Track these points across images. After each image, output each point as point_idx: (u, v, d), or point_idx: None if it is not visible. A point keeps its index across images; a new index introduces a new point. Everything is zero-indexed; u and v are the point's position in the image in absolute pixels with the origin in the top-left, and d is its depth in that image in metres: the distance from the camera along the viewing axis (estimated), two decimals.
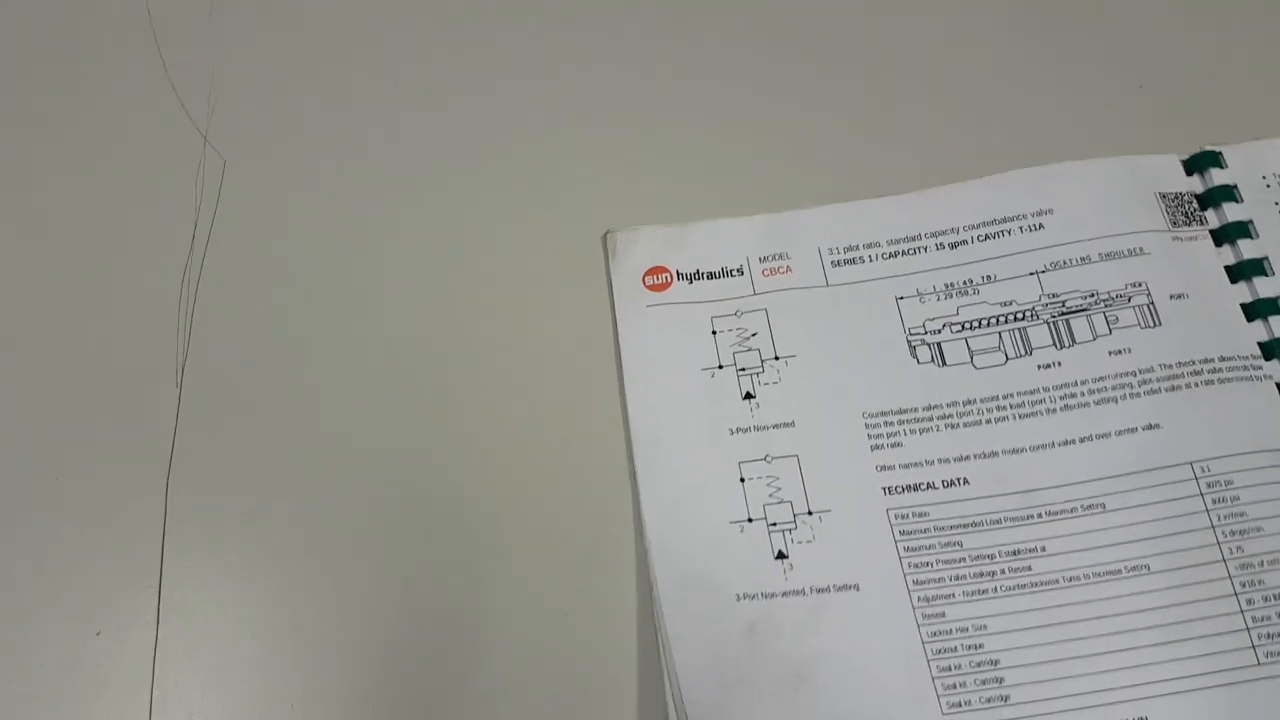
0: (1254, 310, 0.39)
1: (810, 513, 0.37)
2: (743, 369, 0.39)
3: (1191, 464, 0.37)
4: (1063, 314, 0.40)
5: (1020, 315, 0.40)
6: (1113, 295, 0.40)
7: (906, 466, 0.38)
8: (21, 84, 0.46)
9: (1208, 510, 0.36)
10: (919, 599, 0.36)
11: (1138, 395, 0.38)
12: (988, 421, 0.39)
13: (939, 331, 0.40)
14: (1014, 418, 0.39)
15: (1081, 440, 0.38)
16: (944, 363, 0.40)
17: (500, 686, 0.35)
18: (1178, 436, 0.37)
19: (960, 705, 0.34)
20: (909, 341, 0.40)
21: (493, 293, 0.42)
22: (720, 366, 0.40)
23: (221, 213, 0.43)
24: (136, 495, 0.37)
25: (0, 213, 0.43)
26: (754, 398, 0.39)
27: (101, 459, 0.38)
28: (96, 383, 0.40)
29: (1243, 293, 0.40)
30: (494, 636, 0.36)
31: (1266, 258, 0.40)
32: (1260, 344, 0.39)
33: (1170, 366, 0.38)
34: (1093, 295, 0.40)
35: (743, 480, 0.38)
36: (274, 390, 0.40)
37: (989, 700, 0.34)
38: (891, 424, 0.39)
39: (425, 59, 0.47)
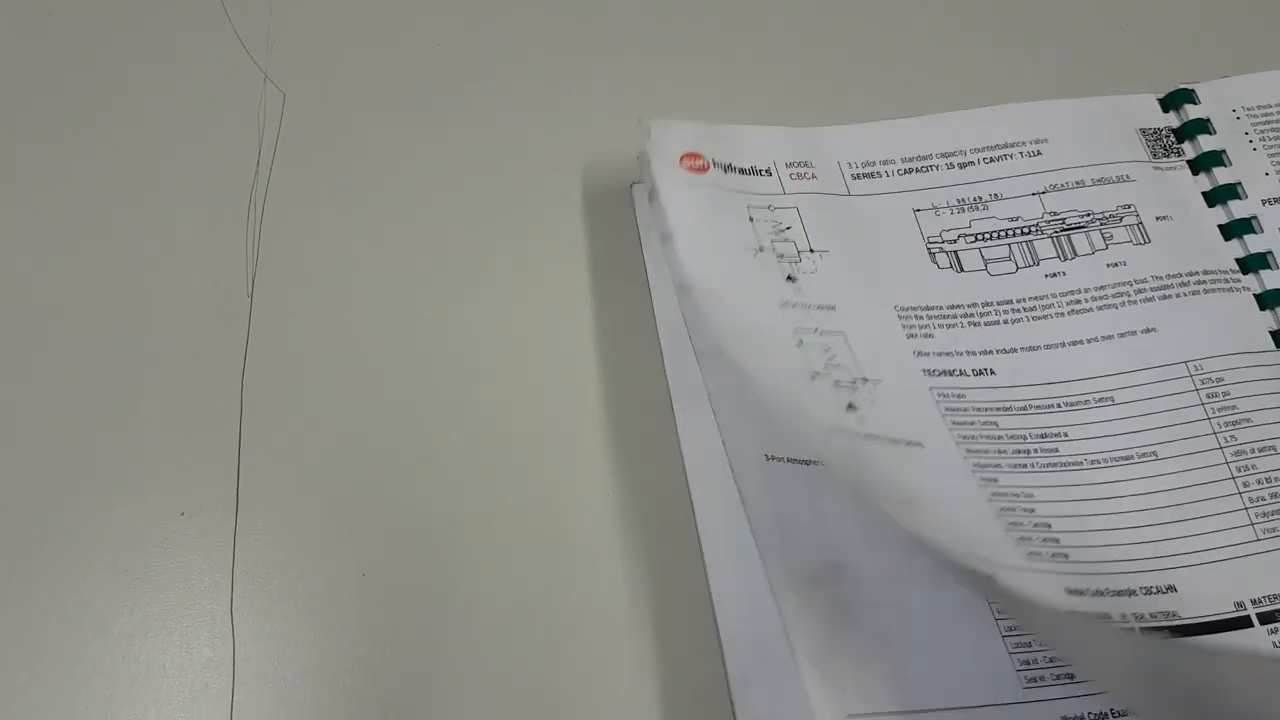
0: (1230, 230, 0.43)
1: (866, 379, 0.38)
2: (781, 255, 0.40)
3: (1186, 363, 0.40)
4: (1064, 230, 0.42)
5: (1026, 230, 0.42)
6: (1106, 215, 0.43)
7: (940, 355, 0.39)
8: (79, 22, 0.46)
9: (1203, 404, 0.39)
10: (974, 465, 0.37)
11: (1134, 302, 0.41)
12: (1005, 322, 0.40)
13: (955, 241, 0.42)
14: (1028, 319, 0.41)
15: (1089, 341, 0.40)
16: (961, 269, 0.41)
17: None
18: (1172, 339, 0.40)
19: (1033, 556, 0.35)
20: (928, 249, 0.42)
21: (521, 226, 0.43)
22: (760, 249, 0.40)
23: (282, 148, 0.43)
24: (215, 394, 0.38)
25: (68, 147, 0.43)
26: (796, 280, 0.40)
27: (182, 363, 0.39)
28: (175, 296, 0.40)
29: (1219, 215, 0.44)
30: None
31: (1239, 183, 0.44)
32: (1237, 259, 0.42)
33: (1161, 278, 0.41)
34: (1089, 214, 0.43)
35: (800, 344, 0.38)
36: (332, 307, 0.40)
37: (1054, 556, 0.35)
38: (921, 318, 0.40)
39: None
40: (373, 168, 0.43)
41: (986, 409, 0.38)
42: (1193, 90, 0.46)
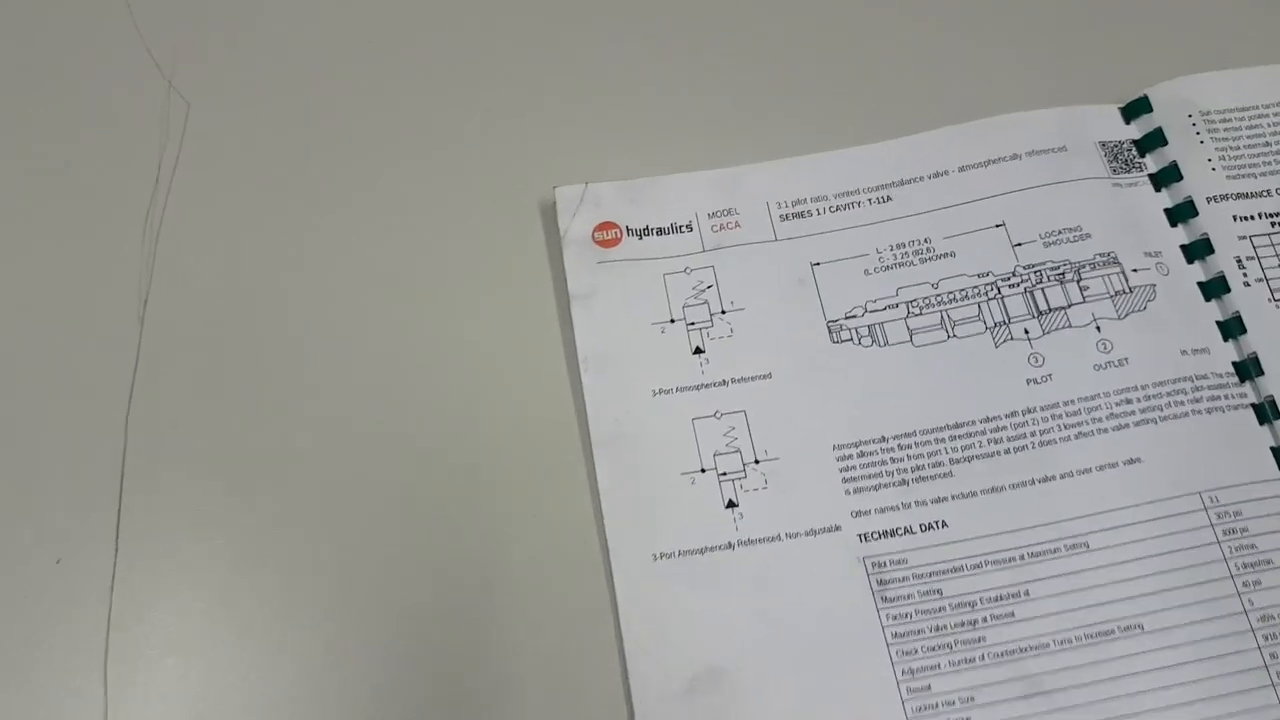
0: (1209, 290, 0.40)
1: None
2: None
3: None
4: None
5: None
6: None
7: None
8: None
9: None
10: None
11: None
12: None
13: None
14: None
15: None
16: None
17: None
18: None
19: None
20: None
21: (437, 251, 0.42)
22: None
23: (184, 161, 0.42)
24: (98, 428, 0.38)
25: None
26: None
27: (64, 392, 0.38)
28: (60, 319, 0.39)
29: (1180, 235, 0.41)
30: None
31: (1190, 199, 0.41)
32: (1218, 323, 0.39)
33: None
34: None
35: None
36: (230, 330, 0.40)
37: None
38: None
39: (386, 9, 0.47)
40: (278, 184, 0.42)
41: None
42: (1146, 96, 0.42)
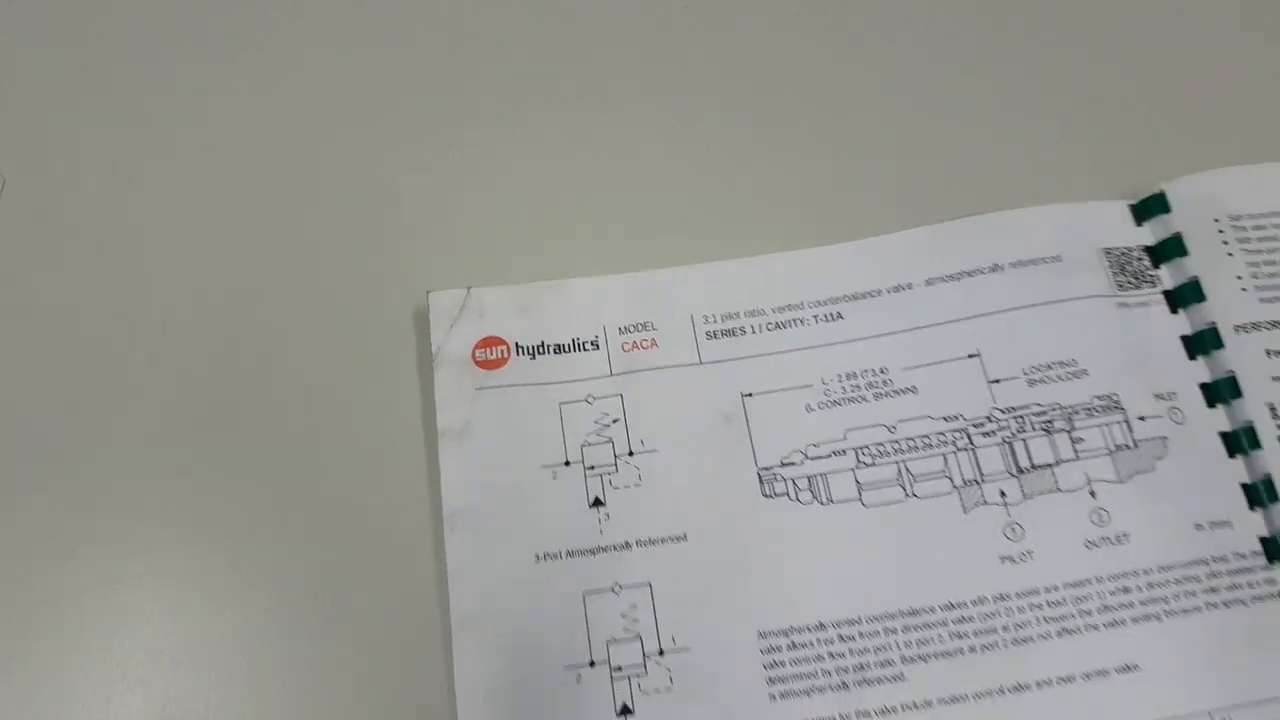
0: (1234, 443, 0.32)
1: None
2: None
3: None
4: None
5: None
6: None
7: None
8: None
9: None
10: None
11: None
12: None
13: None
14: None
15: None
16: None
17: None
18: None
19: None
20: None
21: (288, 370, 0.34)
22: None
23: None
24: None
25: None
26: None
27: None
28: None
29: (1201, 371, 0.33)
30: None
31: (1214, 325, 0.33)
32: (1244, 486, 0.32)
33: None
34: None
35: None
36: (50, 419, 0.34)
37: None
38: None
39: (229, 79, 0.39)
40: (93, 261, 0.36)
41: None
42: (1163, 193, 0.35)
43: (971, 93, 0.39)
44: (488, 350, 0.33)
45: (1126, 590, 0.30)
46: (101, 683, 0.30)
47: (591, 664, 0.30)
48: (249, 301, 0.35)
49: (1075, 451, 0.32)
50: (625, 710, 0.29)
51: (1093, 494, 0.31)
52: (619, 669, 0.30)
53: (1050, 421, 0.32)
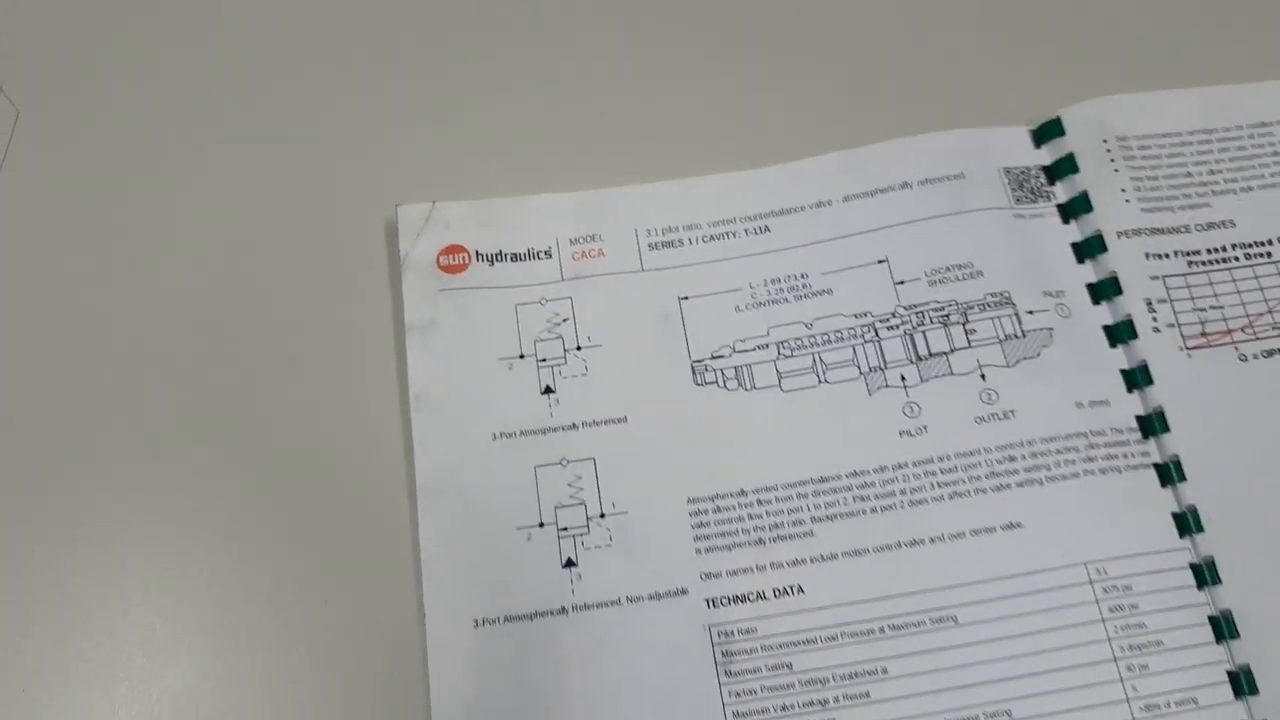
0: (1116, 334, 0.36)
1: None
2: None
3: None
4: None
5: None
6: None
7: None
8: None
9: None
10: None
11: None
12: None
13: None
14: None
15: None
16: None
17: None
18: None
19: None
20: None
21: (271, 271, 0.38)
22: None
23: (9, 167, 0.40)
24: None
25: None
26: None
27: None
28: None
29: (1088, 273, 0.37)
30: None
31: (1099, 232, 0.37)
32: (1123, 372, 0.35)
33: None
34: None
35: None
36: (48, 350, 0.37)
37: None
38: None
39: (229, 14, 0.43)
40: (109, 193, 0.40)
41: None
42: (1059, 118, 0.39)
43: (892, 28, 0.43)
44: (450, 256, 0.38)
45: (1012, 459, 0.34)
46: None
47: (541, 525, 0.34)
48: (239, 218, 0.39)
49: (969, 341, 0.36)
50: (570, 563, 0.33)
51: (983, 377, 0.35)
52: (565, 529, 0.34)
53: (947, 316, 0.36)
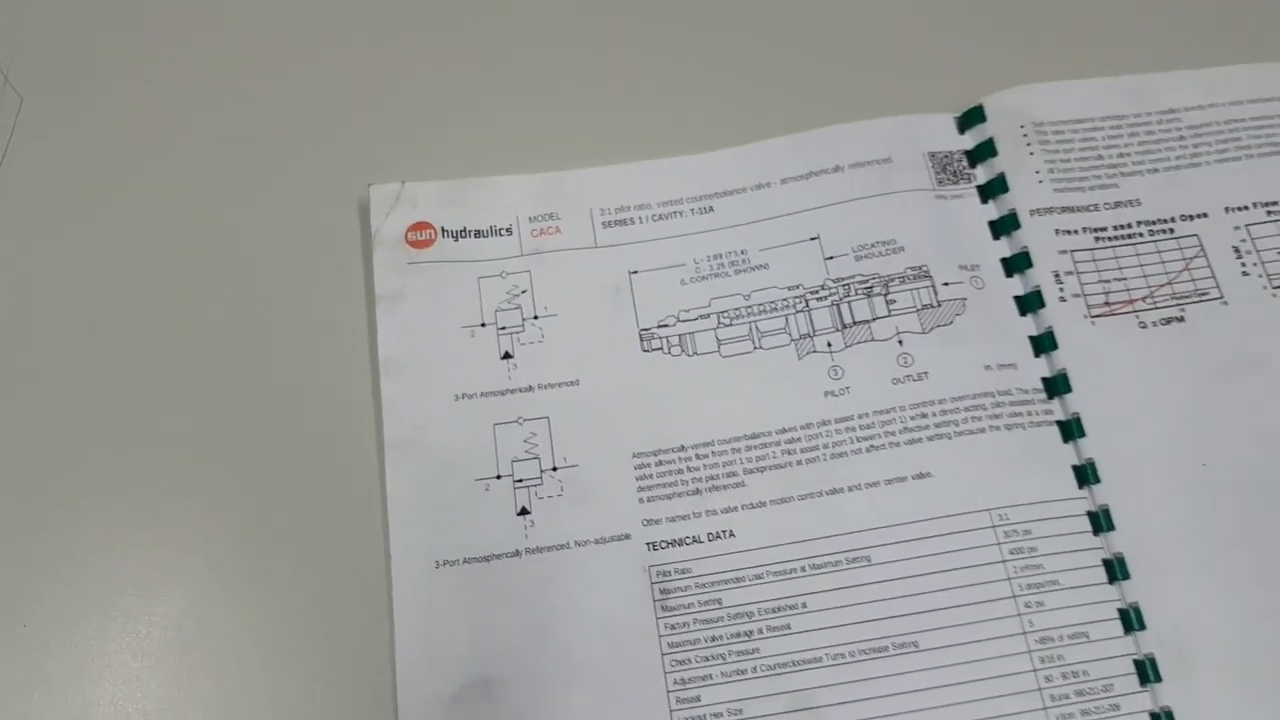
0: (1025, 304, 0.39)
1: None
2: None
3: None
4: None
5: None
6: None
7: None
8: None
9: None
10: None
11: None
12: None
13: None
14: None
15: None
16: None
17: None
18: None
19: None
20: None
21: (250, 249, 0.42)
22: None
23: (13, 156, 0.43)
24: None
25: None
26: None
27: None
28: None
29: (1002, 248, 0.40)
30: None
31: (1014, 211, 0.40)
32: (1031, 338, 0.39)
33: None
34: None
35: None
36: (55, 335, 0.40)
37: None
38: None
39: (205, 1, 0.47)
40: (111, 183, 0.43)
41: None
42: (981, 106, 0.42)
43: (833, 23, 0.46)
44: (418, 233, 0.41)
45: (924, 416, 0.37)
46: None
47: (498, 477, 0.37)
48: (227, 198, 0.42)
49: (889, 310, 0.39)
50: (524, 511, 0.37)
51: (900, 342, 0.38)
52: (520, 481, 0.37)
53: (870, 287, 0.39)
